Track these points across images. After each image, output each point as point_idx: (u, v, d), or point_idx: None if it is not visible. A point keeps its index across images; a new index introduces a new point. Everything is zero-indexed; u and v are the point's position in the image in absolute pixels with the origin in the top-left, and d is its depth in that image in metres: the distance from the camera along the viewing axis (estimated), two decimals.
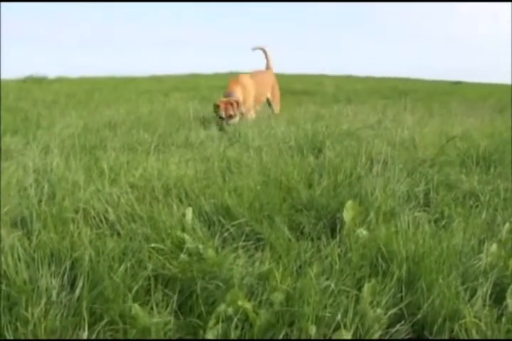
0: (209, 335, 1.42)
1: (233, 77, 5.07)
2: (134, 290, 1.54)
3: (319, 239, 1.96)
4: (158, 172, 2.66)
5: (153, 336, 1.41)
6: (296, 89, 9.34)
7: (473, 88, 11.56)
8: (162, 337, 1.42)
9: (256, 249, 1.90)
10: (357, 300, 1.51)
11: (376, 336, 1.44)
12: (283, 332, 1.42)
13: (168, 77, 12.97)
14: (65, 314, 1.44)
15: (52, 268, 1.62)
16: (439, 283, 1.58)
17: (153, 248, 1.78)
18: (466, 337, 1.43)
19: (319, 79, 11.95)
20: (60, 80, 11.07)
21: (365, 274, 1.66)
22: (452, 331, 1.46)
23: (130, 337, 1.42)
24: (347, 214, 2.06)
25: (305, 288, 1.52)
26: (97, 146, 3.49)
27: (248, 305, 1.46)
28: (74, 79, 11.69)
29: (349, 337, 1.41)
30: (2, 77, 9.95)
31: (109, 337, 1.42)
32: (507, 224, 2.06)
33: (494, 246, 1.84)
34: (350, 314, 1.45)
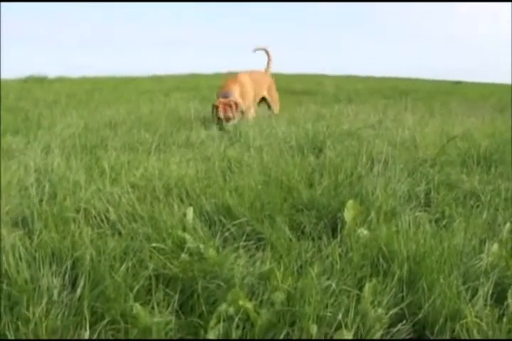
0: (210, 335, 1.42)
1: (231, 75, 5.02)
2: (135, 290, 1.54)
3: (320, 238, 1.96)
4: (159, 172, 2.66)
5: (155, 336, 1.41)
6: (297, 89, 9.34)
7: (474, 88, 11.56)
8: (163, 337, 1.42)
9: (257, 248, 1.90)
10: (358, 300, 1.51)
11: (377, 336, 1.44)
12: (284, 332, 1.42)
13: (169, 77, 12.97)
14: (66, 313, 1.44)
15: (54, 267, 1.61)
16: (440, 283, 1.58)
17: (154, 247, 1.78)
18: (467, 337, 1.43)
19: (319, 79, 11.95)
20: (61, 80, 11.08)
21: (366, 274, 1.66)
22: (453, 331, 1.46)
23: (131, 336, 1.42)
24: (348, 214, 2.06)
25: (306, 287, 1.52)
26: (97, 146, 3.49)
27: (249, 305, 1.46)
28: (74, 79, 11.70)
29: (350, 336, 1.41)
30: (2, 77, 9.96)
31: (110, 337, 1.42)
32: (508, 224, 2.06)
33: (495, 246, 1.84)
34: (352, 314, 1.45)
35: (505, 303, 1.55)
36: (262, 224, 2.03)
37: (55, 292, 1.51)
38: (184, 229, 1.93)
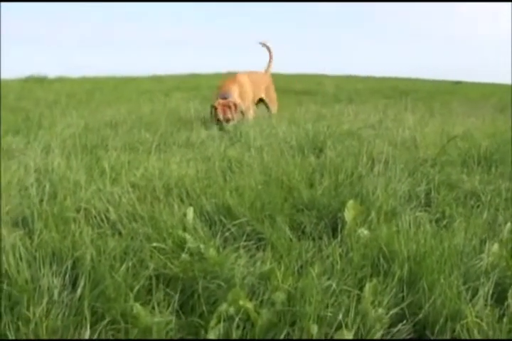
0: (210, 335, 1.42)
1: (230, 76, 4.97)
2: (135, 290, 1.54)
3: (320, 238, 1.96)
4: (160, 172, 2.66)
5: (155, 335, 1.41)
6: (297, 88, 9.35)
7: (474, 88, 11.56)
8: (163, 337, 1.42)
9: (257, 248, 1.90)
10: (358, 300, 1.51)
11: (378, 336, 1.44)
12: (284, 332, 1.42)
13: (169, 77, 12.98)
14: (66, 313, 1.44)
15: (54, 267, 1.61)
16: (441, 283, 1.58)
17: (154, 247, 1.78)
18: (467, 337, 1.43)
19: (320, 79, 11.95)
20: (61, 80, 11.08)
21: (366, 274, 1.66)
22: (454, 331, 1.46)
23: (132, 336, 1.42)
24: (348, 214, 2.06)
25: (306, 287, 1.52)
26: (98, 146, 3.49)
27: (250, 305, 1.46)
28: (75, 79, 11.70)
29: (351, 336, 1.41)
30: (2, 77, 9.96)
31: (110, 337, 1.42)
32: (508, 224, 2.06)
33: (496, 246, 1.84)
34: (352, 314, 1.45)
35: (506, 303, 1.55)
36: (262, 224, 2.03)
37: (56, 292, 1.51)
38: (184, 229, 1.93)
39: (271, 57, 5.42)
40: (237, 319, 1.42)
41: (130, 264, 1.65)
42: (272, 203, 2.20)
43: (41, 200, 2.22)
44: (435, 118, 4.97)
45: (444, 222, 2.12)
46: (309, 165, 2.85)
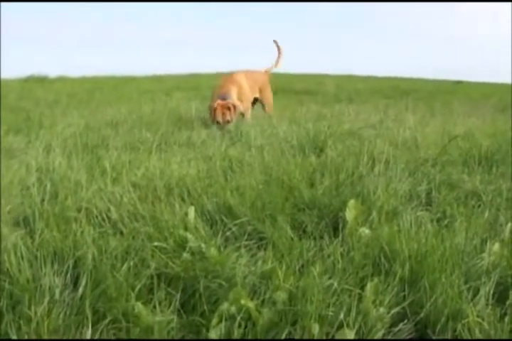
0: (212, 334, 1.42)
1: (228, 76, 4.89)
2: (136, 289, 1.54)
3: (322, 238, 1.96)
4: (161, 172, 2.66)
5: (156, 335, 1.42)
6: (298, 88, 9.35)
7: (475, 87, 11.56)
8: (165, 336, 1.42)
9: (258, 248, 1.90)
10: (360, 299, 1.51)
11: (379, 335, 1.44)
12: (286, 331, 1.42)
13: (169, 77, 12.98)
14: (68, 312, 1.44)
15: (55, 266, 1.61)
16: (442, 282, 1.58)
17: (155, 247, 1.78)
18: (469, 337, 1.43)
19: (320, 79, 11.94)
20: (62, 80, 11.09)
21: (367, 273, 1.66)
22: (455, 330, 1.46)
23: (133, 335, 1.42)
24: (349, 214, 2.06)
25: (308, 286, 1.52)
26: (99, 145, 3.49)
27: (251, 304, 1.46)
28: (75, 79, 11.70)
29: (352, 336, 1.41)
30: (3, 77, 9.96)
31: (112, 336, 1.42)
32: (509, 224, 2.06)
33: (497, 246, 1.84)
34: (353, 313, 1.45)
35: (507, 303, 1.55)
36: (263, 223, 2.03)
37: (57, 291, 1.51)
38: (186, 229, 1.93)
39: (279, 57, 5.35)
40: (238, 318, 1.42)
41: (131, 263, 1.65)
42: (273, 202, 2.20)
43: (42, 200, 2.23)
44: (436, 118, 4.97)
45: (445, 222, 2.12)
46: (310, 164, 2.85)
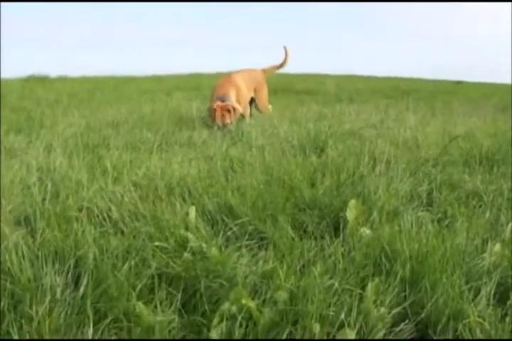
0: (213, 334, 1.42)
1: (226, 76, 4.85)
2: (138, 289, 1.54)
3: (322, 238, 1.96)
4: (161, 171, 2.66)
5: (157, 334, 1.42)
6: (298, 88, 9.35)
7: (475, 87, 11.55)
8: (166, 336, 1.42)
9: (259, 247, 1.90)
10: (361, 299, 1.51)
11: (380, 335, 1.44)
12: (287, 331, 1.42)
13: (169, 77, 12.97)
14: (69, 312, 1.45)
15: (57, 266, 1.62)
16: (443, 283, 1.58)
17: (156, 246, 1.79)
18: (470, 337, 1.43)
19: (321, 79, 11.94)
20: (62, 79, 11.09)
21: (368, 273, 1.66)
22: (456, 330, 1.46)
23: (134, 335, 1.42)
24: (350, 214, 2.06)
25: (309, 286, 1.52)
26: (99, 145, 3.49)
27: (252, 304, 1.46)
28: (76, 79, 11.70)
29: (353, 336, 1.41)
30: (3, 77, 9.97)
31: (113, 335, 1.42)
32: (510, 224, 2.06)
33: (498, 246, 1.84)
34: (354, 313, 1.45)
35: (508, 303, 1.55)
36: (264, 223, 2.03)
37: (58, 290, 1.51)
38: (187, 228, 1.94)
39: (284, 62, 5.29)
40: (239, 318, 1.42)
41: (132, 263, 1.65)
42: (274, 202, 2.20)
43: (43, 199, 2.23)
44: (437, 118, 4.97)
45: (446, 222, 2.12)
46: (311, 164, 2.85)
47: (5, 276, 1.57)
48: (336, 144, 3.38)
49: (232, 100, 4.50)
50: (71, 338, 1.39)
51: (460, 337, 1.44)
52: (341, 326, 1.43)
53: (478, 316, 1.46)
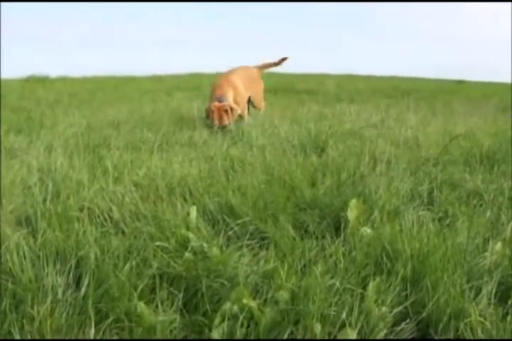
0: (214, 333, 1.42)
1: (223, 76, 4.80)
2: (139, 289, 1.54)
3: (323, 237, 1.96)
4: (162, 171, 2.66)
5: (159, 334, 1.42)
6: (299, 88, 9.34)
7: (476, 87, 11.54)
8: (168, 336, 1.42)
9: (260, 247, 1.90)
10: (362, 299, 1.51)
11: (381, 334, 1.44)
12: (288, 331, 1.42)
13: (169, 77, 12.96)
14: (70, 312, 1.45)
15: (58, 266, 1.62)
16: (444, 282, 1.58)
17: (157, 246, 1.79)
18: (471, 336, 1.43)
19: (321, 79, 11.92)
20: (62, 79, 11.08)
21: (369, 273, 1.66)
22: (457, 330, 1.46)
23: (136, 335, 1.42)
24: (351, 213, 2.06)
25: (310, 286, 1.52)
26: (100, 145, 3.49)
27: (253, 304, 1.46)
28: (76, 79, 11.70)
29: (354, 335, 1.41)
30: (3, 77, 9.96)
31: (115, 335, 1.42)
32: (511, 223, 2.06)
33: (499, 245, 1.84)
34: (356, 312, 1.45)
35: (509, 302, 1.55)
36: (265, 223, 2.03)
37: (60, 291, 1.52)
38: (188, 228, 1.94)
39: (272, 65, 5.34)
40: (240, 317, 1.42)
41: (134, 263, 1.65)
42: (275, 202, 2.20)
43: (44, 199, 2.23)
44: (437, 117, 4.97)
45: (447, 221, 2.12)
46: (311, 164, 2.85)
47: (6, 276, 1.57)
48: (336, 144, 3.38)
49: (230, 101, 4.48)
50: (72, 338, 1.40)
51: (461, 337, 1.44)
52: (342, 326, 1.43)
53: (480, 315, 1.46)
